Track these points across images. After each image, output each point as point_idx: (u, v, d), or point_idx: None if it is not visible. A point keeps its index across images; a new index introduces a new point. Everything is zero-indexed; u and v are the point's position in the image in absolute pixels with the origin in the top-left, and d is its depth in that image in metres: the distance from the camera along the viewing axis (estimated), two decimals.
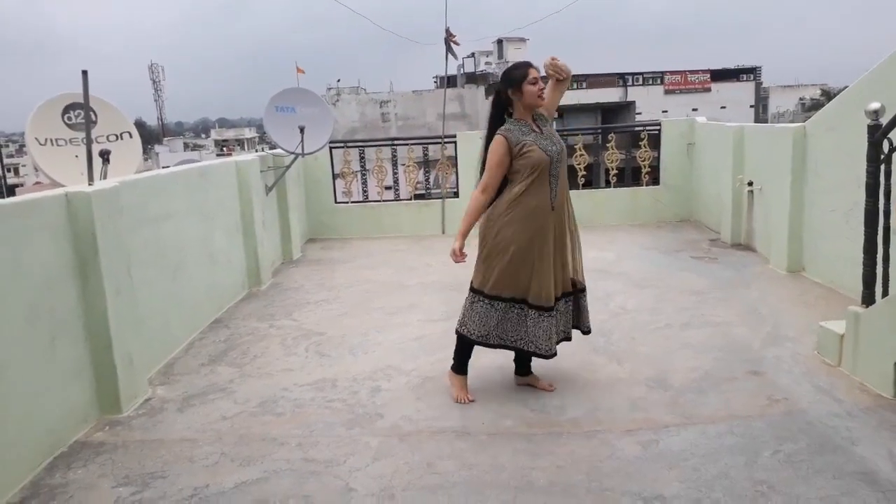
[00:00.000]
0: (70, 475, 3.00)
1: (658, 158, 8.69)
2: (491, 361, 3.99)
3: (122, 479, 2.95)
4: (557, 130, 3.68)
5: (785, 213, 5.73)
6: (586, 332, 3.72)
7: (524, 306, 3.45)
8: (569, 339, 3.66)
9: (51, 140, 5.38)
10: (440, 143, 8.64)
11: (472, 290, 3.56)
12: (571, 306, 3.63)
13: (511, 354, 3.73)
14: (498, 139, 3.40)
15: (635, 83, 40.60)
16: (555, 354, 3.49)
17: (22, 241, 3.07)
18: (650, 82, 40.85)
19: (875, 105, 3.49)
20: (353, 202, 8.76)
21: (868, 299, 3.63)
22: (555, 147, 3.43)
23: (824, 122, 5.39)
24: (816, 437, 3.03)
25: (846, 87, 5.52)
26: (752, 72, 43.13)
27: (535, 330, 3.44)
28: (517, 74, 3.42)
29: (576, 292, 3.64)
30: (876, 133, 3.51)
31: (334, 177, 8.71)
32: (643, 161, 8.66)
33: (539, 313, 3.43)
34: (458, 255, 3.44)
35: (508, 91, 3.43)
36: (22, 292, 3.04)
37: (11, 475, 2.90)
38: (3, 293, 2.92)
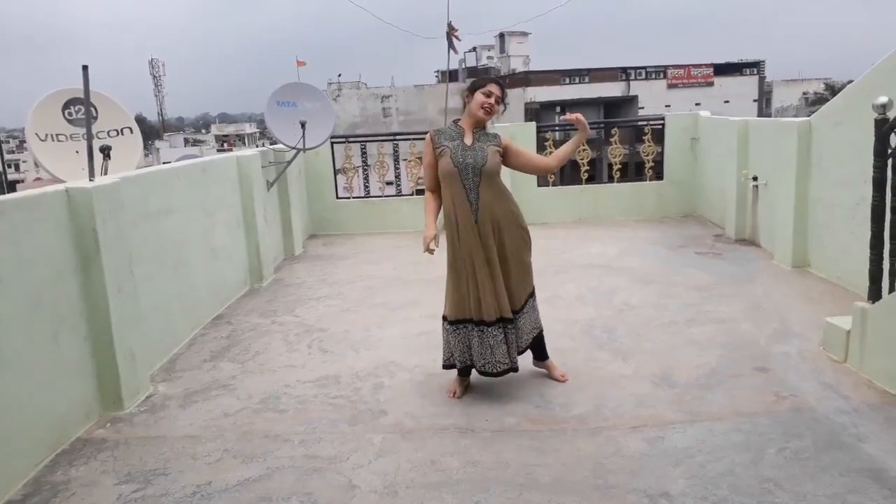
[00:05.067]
0: (72, 472, 2.99)
1: (662, 153, 8.65)
2: None
3: (125, 477, 2.94)
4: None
5: (790, 208, 5.70)
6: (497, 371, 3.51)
7: (469, 325, 3.49)
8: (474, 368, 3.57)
9: (51, 135, 5.36)
10: None
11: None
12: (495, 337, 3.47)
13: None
14: (426, 138, 3.52)
15: (638, 77, 40.43)
16: (490, 373, 3.49)
17: (24, 236, 3.05)
18: (653, 76, 40.67)
19: (883, 99, 3.45)
20: (354, 198, 8.73)
21: (875, 295, 3.60)
22: (468, 160, 3.37)
23: (830, 117, 5.35)
24: (823, 434, 3.00)
25: (850, 81, 5.48)
26: (755, 66, 42.93)
27: (479, 346, 3.47)
28: (480, 81, 3.51)
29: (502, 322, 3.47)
30: (883, 127, 3.48)
31: (335, 172, 8.68)
32: (647, 156, 8.63)
33: (481, 329, 3.45)
34: (427, 246, 3.42)
35: (466, 92, 3.52)
36: (24, 288, 3.03)
37: (13, 472, 2.89)
38: (6, 289, 2.90)
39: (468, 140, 3.43)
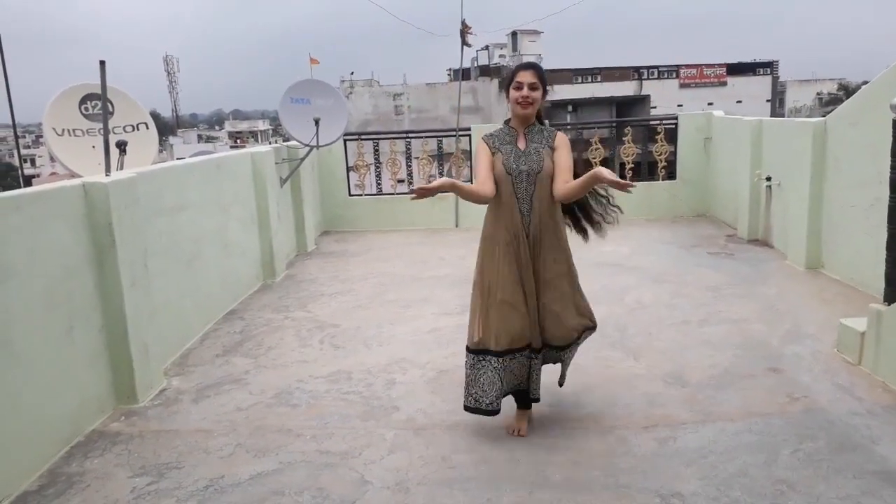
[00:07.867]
0: (87, 464, 3.02)
1: (674, 153, 8.62)
2: None
3: (139, 469, 2.97)
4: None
5: (804, 208, 5.66)
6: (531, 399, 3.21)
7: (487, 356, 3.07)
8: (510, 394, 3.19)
9: (68, 130, 5.40)
10: (455, 136, 8.60)
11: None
12: (529, 365, 3.13)
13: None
14: (479, 143, 3.14)
15: (650, 77, 40.30)
16: (496, 412, 3.10)
17: (40, 230, 3.08)
18: (665, 76, 40.54)
19: None
20: (366, 195, 8.75)
21: (890, 297, 3.57)
22: (522, 166, 3.00)
23: (846, 117, 5.31)
24: (836, 436, 2.99)
25: (865, 81, 5.43)
26: (768, 66, 42.67)
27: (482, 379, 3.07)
28: (508, 74, 3.11)
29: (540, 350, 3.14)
30: None
31: (348, 169, 8.71)
32: (659, 155, 8.59)
33: (488, 359, 3.05)
34: (423, 189, 2.79)
35: (504, 90, 3.20)
36: (40, 282, 3.06)
37: (29, 463, 2.92)
38: (22, 281, 2.93)
39: (521, 144, 3.06)
